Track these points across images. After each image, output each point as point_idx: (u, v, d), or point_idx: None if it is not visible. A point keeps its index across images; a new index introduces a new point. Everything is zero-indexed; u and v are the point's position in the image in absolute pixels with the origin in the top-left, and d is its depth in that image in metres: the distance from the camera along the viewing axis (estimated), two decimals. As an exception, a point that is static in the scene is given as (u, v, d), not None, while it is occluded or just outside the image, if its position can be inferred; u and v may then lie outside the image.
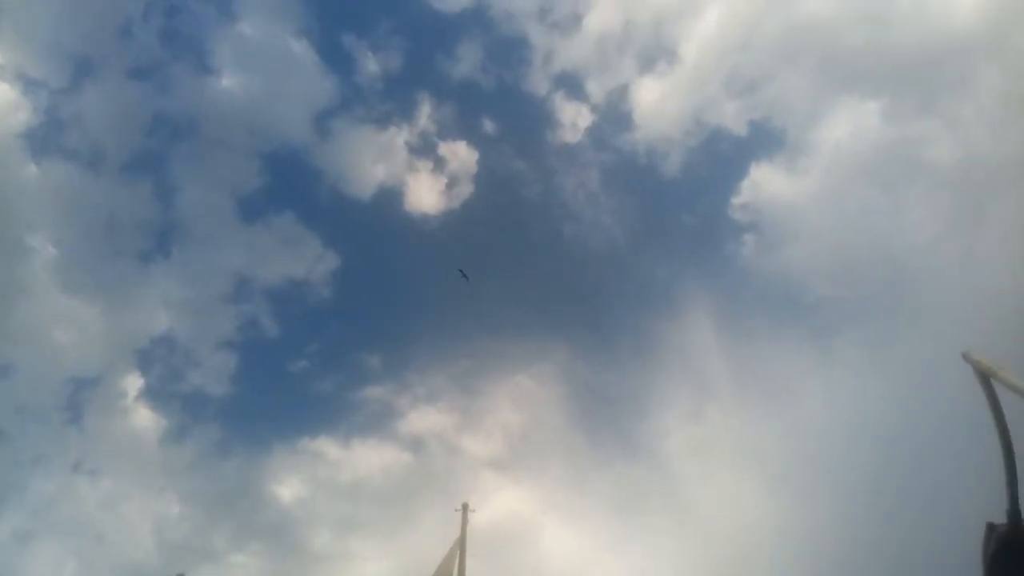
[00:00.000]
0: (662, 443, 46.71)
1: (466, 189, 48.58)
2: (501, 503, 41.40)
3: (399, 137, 48.29)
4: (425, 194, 49.19)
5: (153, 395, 41.30)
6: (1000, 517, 4.81)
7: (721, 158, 49.33)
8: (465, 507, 11.12)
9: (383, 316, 51.57)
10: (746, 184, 48.21)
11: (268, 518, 40.41)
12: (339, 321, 49.54)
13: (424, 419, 47.60)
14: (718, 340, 47.48)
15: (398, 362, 50.96)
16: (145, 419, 40.82)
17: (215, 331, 43.08)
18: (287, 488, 41.79)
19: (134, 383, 40.84)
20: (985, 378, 4.64)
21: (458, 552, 10.18)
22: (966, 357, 4.78)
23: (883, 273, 43.66)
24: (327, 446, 44.06)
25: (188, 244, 44.21)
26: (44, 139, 39.91)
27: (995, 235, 37.58)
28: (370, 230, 50.01)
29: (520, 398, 50.16)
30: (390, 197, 48.12)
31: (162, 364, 42.23)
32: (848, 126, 46.38)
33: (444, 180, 48.42)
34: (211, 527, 39.12)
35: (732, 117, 48.00)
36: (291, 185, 48.60)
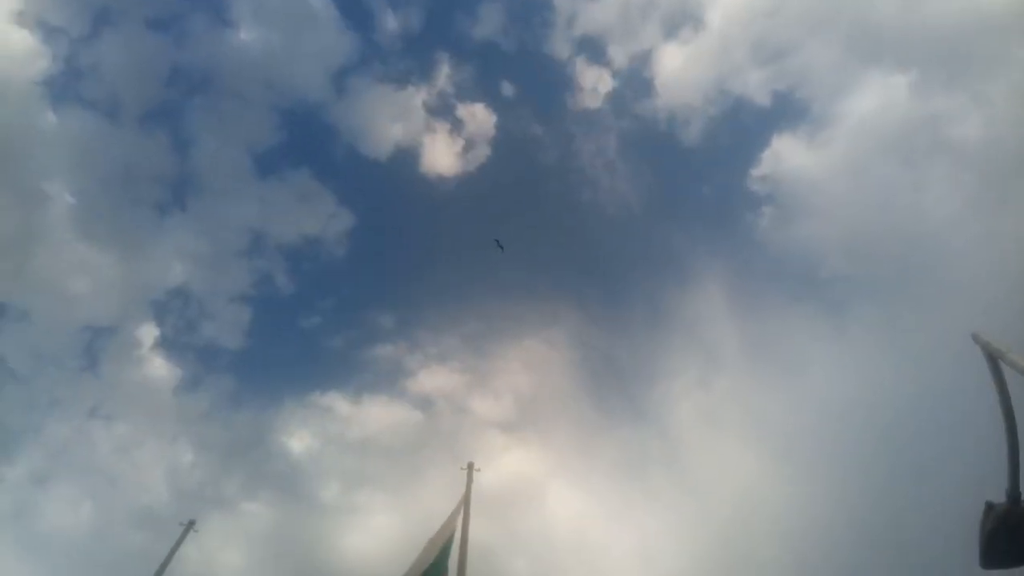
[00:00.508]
0: (669, 411, 47.03)
1: (483, 152, 48.21)
2: (507, 464, 42.08)
3: (417, 97, 47.80)
4: (441, 155, 48.90)
5: (168, 345, 42.03)
6: (999, 496, 4.87)
7: (742, 128, 48.50)
8: (470, 466, 11.34)
9: (396, 276, 51.85)
10: (767, 155, 47.46)
11: (278, 469, 41.39)
12: (352, 279, 49.88)
13: (434, 378, 48.16)
14: (730, 311, 47.40)
15: (410, 321, 51.37)
16: (160, 368, 41.64)
17: (230, 285, 43.58)
18: (297, 441, 42.69)
19: (149, 333, 41.55)
20: (993, 359, 4.66)
21: (462, 510, 10.42)
22: (975, 338, 4.79)
23: (900, 251, 43.09)
24: (337, 402, 44.84)
25: (204, 197, 44.36)
26: (63, 87, 39.87)
27: (1017, 218, 36.86)
28: (385, 190, 49.90)
29: (530, 361, 50.54)
30: (406, 157, 47.87)
31: (177, 315, 42.85)
32: (875, 99, 45.26)
33: (461, 142, 48.04)
34: (223, 475, 40.16)
35: (756, 87, 46.99)
36: (307, 142, 48.44)
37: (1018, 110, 39.61)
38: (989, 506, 4.77)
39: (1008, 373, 4.73)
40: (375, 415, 45.52)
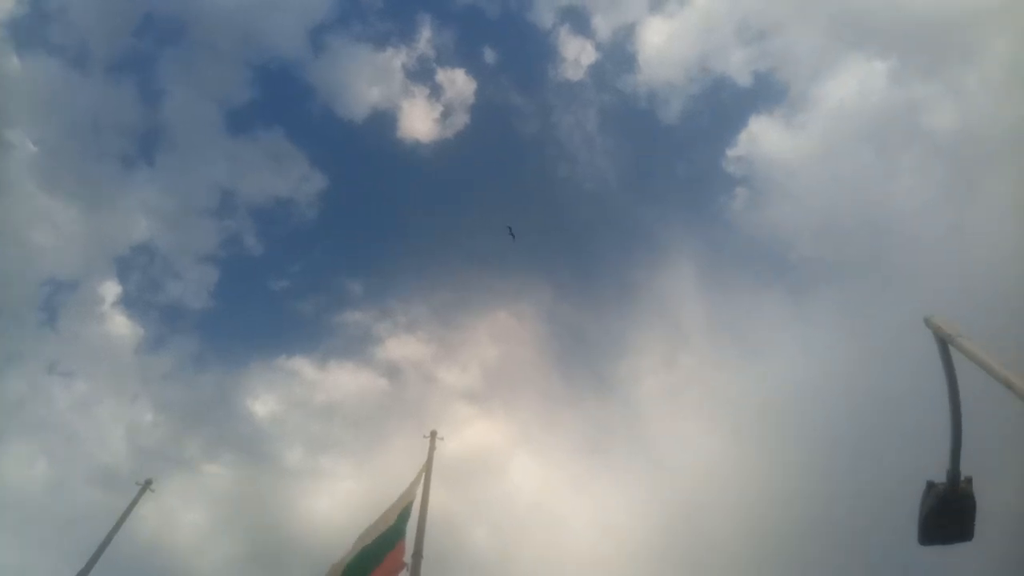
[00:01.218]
0: (634, 386, 47.75)
1: (461, 119, 47.55)
2: (472, 434, 42.43)
3: (396, 59, 46.72)
4: (419, 121, 48.12)
5: (131, 303, 41.15)
6: (940, 476, 5.02)
7: (721, 108, 48.55)
8: (433, 434, 11.37)
9: (368, 242, 51.29)
10: (743, 136, 47.69)
11: (242, 431, 41.14)
12: (323, 244, 49.26)
13: (402, 347, 48.12)
14: (699, 291, 48.00)
15: (380, 289, 51.05)
16: (122, 326, 40.83)
17: (197, 244, 42.67)
18: (262, 404, 42.45)
19: (112, 290, 40.63)
20: (943, 343, 4.75)
21: (423, 478, 10.46)
22: (927, 322, 4.87)
23: (868, 238, 43.91)
24: (303, 366, 44.59)
25: (172, 152, 43.07)
26: (28, 31, 38.00)
27: (985, 210, 37.70)
28: (360, 153, 49.09)
29: (499, 333, 50.73)
30: (383, 121, 47.02)
31: (141, 273, 41.93)
32: (853, 85, 45.60)
33: (440, 108, 47.27)
34: (185, 436, 39.80)
35: (737, 66, 46.92)
36: (281, 100, 47.24)
37: (992, 103, 40.32)
38: (930, 485, 4.94)
39: (957, 357, 4.83)
40: (341, 381, 45.43)
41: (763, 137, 47.36)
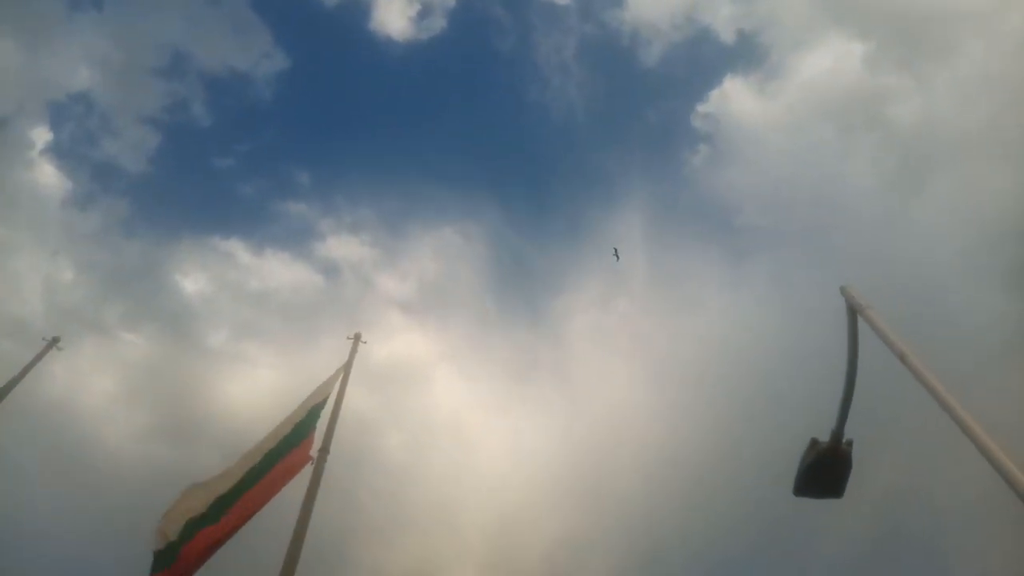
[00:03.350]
0: (567, 323, 48.69)
1: (438, 23, 45.44)
2: (401, 344, 42.66)
3: (377, -55, 43.68)
4: (395, 17, 45.71)
5: (62, 153, 38.70)
6: (825, 436, 5.31)
7: (700, 61, 48.06)
8: (357, 336, 11.29)
9: (322, 133, 49.26)
10: (715, 94, 47.59)
11: (166, 305, 40.05)
12: (275, 126, 47.11)
13: (343, 246, 47.30)
14: (644, 239, 48.69)
15: (328, 183, 49.56)
16: (49, 176, 38.40)
17: (140, 103, 40.07)
18: (191, 281, 41.31)
19: (42, 136, 37.97)
20: (853, 313, 4.91)
21: (340, 378, 10.44)
22: (843, 291, 5.02)
23: (812, 212, 45.14)
24: (239, 250, 43.45)
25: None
26: None
27: (926, 205, 39.10)
28: (328, 40, 46.44)
29: (443, 249, 50.45)
30: (357, 9, 44.40)
31: (76, 124, 39.21)
32: (828, 62, 45.79)
33: (417, 7, 44.89)
34: (105, 301, 38.47)
35: (724, 21, 46.31)
36: (249, -35, 43.66)
37: (955, 104, 41.21)
38: (814, 442, 5.23)
39: (863, 329, 5.01)
40: (276, 271, 44.52)
41: (734, 98, 47.31)
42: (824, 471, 5.23)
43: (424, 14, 44.66)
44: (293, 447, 9.12)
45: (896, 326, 4.70)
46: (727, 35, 46.07)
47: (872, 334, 4.84)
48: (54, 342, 12.20)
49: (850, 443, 5.22)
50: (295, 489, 8.86)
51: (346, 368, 10.61)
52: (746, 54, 46.74)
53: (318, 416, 9.64)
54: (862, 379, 5.16)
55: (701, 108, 47.28)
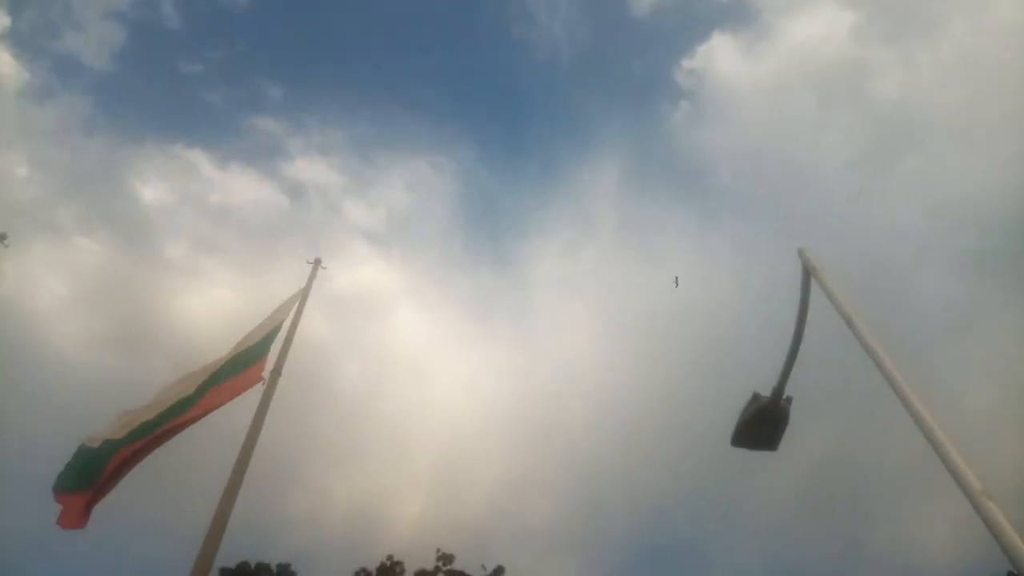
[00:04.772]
0: (532, 267, 48.86)
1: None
2: (365, 274, 42.42)
3: None
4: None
5: (21, 42, 36.39)
6: (767, 391, 5.48)
7: (691, 13, 47.05)
8: (317, 262, 11.12)
9: (299, 48, 47.18)
10: (702, 49, 46.91)
11: (124, 212, 38.81)
12: (250, 35, 44.87)
13: (311, 168, 46.14)
14: (617, 191, 48.69)
15: (300, 101, 47.83)
16: (5, 65, 36.17)
17: (105, -2, 37.42)
18: (151, 189, 40.02)
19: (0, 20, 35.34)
20: (807, 273, 5.00)
21: (297, 303, 10.31)
22: (800, 252, 5.09)
23: (783, 179, 45.57)
24: (202, 161, 42.10)
25: None
26: None
27: (894, 183, 39.72)
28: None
29: (413, 181, 49.65)
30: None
31: (37, 11, 36.65)
32: (817, 29, 45.35)
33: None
34: (59, 202, 37.09)
35: (720, -28, 45.01)
36: None
37: (936, 84, 41.41)
38: (755, 396, 5.42)
39: (815, 291, 5.11)
40: (240, 187, 43.29)
41: (721, 56, 46.74)
42: (762, 425, 5.44)
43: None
44: (246, 367, 9.06)
45: (847, 292, 4.80)
46: (722, -12, 44.98)
47: (825, 298, 4.95)
48: (2, 238, 11.78)
49: (789, 400, 5.41)
50: (246, 409, 8.85)
51: (304, 293, 10.44)
52: (738, 11, 45.99)
53: (272, 340, 9.54)
54: (811, 341, 5.31)
55: (686, 63, 46.71)
